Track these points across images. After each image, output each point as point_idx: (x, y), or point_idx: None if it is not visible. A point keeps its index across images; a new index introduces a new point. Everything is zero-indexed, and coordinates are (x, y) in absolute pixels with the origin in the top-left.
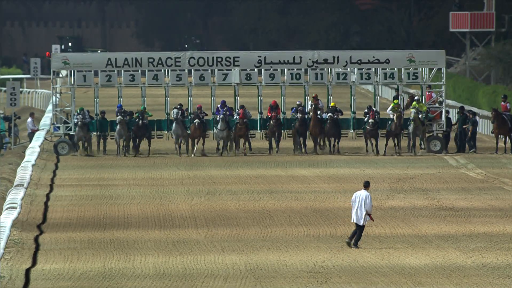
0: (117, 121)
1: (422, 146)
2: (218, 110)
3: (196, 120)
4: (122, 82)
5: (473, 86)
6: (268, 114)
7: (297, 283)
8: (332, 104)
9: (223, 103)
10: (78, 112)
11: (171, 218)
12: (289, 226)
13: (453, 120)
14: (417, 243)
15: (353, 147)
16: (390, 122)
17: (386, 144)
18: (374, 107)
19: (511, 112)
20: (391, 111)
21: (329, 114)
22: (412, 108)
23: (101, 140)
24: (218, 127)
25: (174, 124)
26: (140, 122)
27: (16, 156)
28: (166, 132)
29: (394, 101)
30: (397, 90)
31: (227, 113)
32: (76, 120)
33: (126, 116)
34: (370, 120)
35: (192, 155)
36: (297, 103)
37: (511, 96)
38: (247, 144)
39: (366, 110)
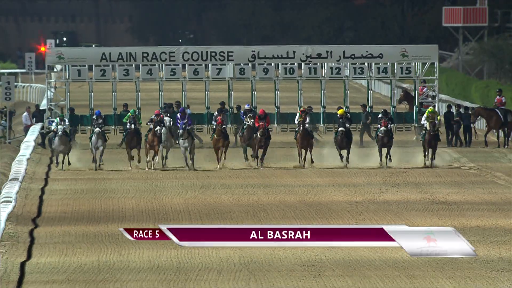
0: (95, 132)
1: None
2: (178, 121)
3: (158, 128)
4: (116, 76)
5: (466, 80)
6: (256, 124)
7: (291, 276)
8: (341, 111)
9: (182, 111)
10: (60, 119)
11: (165, 211)
12: (283, 219)
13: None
14: None
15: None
16: (424, 132)
17: (425, 156)
18: (368, 101)
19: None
20: (425, 121)
21: (341, 128)
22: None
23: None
24: (180, 136)
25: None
26: (133, 127)
27: (11, 150)
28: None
29: (429, 109)
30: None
31: (187, 124)
32: (54, 127)
33: (102, 126)
34: (382, 128)
35: (147, 168)
36: (246, 106)
37: (505, 91)
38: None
39: (380, 115)
